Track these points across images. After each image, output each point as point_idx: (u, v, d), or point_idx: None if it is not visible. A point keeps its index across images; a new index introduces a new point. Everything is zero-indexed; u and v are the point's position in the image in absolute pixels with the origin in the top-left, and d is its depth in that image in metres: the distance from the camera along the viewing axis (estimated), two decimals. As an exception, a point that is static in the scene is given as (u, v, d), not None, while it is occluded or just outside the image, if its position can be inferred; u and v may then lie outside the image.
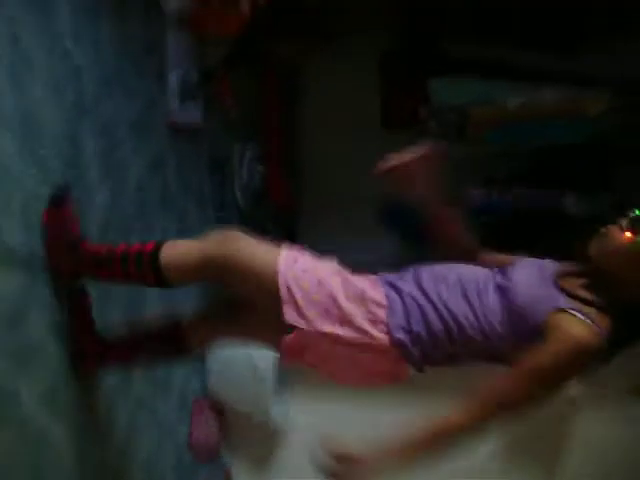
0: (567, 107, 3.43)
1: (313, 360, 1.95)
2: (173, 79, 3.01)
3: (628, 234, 1.73)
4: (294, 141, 4.19)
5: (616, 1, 3.27)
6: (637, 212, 1.74)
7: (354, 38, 3.84)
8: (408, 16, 3.72)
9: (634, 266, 1.73)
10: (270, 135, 3.99)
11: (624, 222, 1.74)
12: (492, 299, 1.80)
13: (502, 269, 1.90)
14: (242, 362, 3.23)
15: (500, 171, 3.72)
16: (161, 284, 2.02)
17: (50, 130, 2.11)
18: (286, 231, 4.00)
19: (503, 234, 3.56)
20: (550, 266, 1.88)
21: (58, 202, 2.07)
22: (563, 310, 1.71)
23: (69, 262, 2.07)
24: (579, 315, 1.69)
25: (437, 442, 1.71)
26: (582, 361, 1.68)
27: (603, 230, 1.78)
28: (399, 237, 3.70)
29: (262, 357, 3.19)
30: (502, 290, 1.81)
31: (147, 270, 1.99)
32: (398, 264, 2.04)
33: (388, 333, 1.84)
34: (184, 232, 3.07)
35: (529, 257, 1.95)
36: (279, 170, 3.93)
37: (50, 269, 2.06)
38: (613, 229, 1.76)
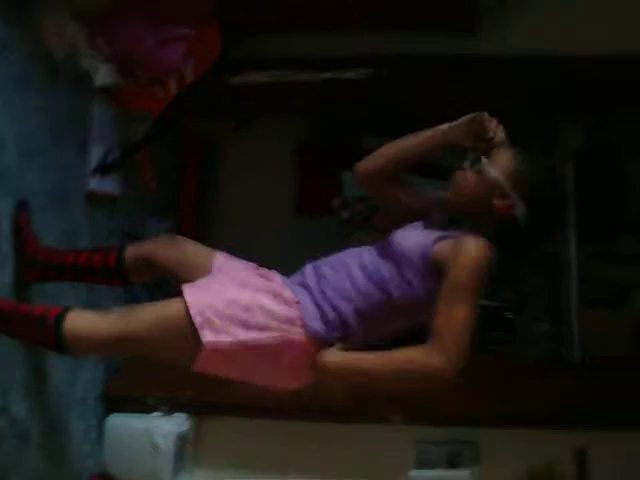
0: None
1: (231, 373, 2.06)
2: (94, 151, 3.04)
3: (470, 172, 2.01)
4: (208, 219, 4.24)
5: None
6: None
7: (274, 123, 3.97)
8: (327, 107, 3.87)
9: (478, 196, 1.99)
10: (184, 211, 4.04)
11: (466, 164, 2.02)
12: (382, 263, 2.02)
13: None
14: (140, 437, 3.16)
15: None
16: (61, 350, 2.04)
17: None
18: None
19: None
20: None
21: None
22: (442, 238, 1.96)
23: None
24: (459, 237, 1.93)
25: (410, 369, 1.86)
26: (486, 267, 1.89)
27: (452, 176, 2.05)
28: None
29: (161, 433, 3.14)
30: (385, 249, 2.05)
31: (48, 334, 2.01)
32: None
33: (304, 326, 1.98)
34: (92, 305, 3.07)
35: None
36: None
37: None
38: (458, 173, 2.04)
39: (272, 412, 3.09)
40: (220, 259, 2.24)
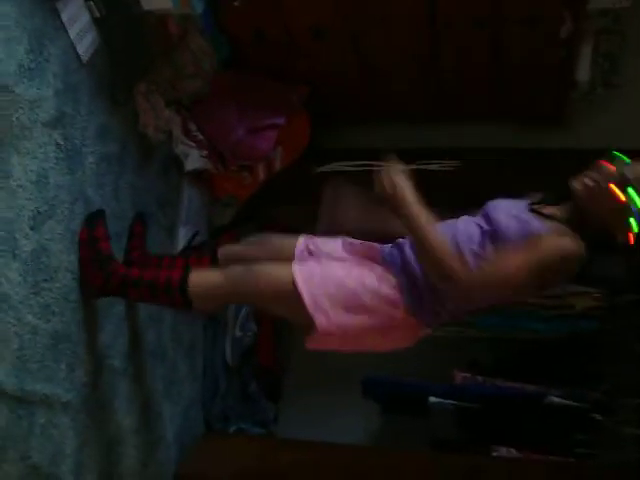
0: (553, 300, 3.51)
1: (342, 347, 2.19)
2: (182, 233, 3.12)
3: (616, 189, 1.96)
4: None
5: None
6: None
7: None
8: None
9: (608, 208, 1.98)
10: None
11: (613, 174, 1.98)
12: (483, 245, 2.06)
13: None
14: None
15: (484, 356, 3.76)
16: (188, 307, 2.24)
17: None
18: (269, 391, 3.98)
19: (487, 418, 3.58)
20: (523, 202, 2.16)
21: (92, 222, 2.34)
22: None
23: (99, 278, 2.29)
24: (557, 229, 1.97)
25: (436, 249, 1.90)
26: (568, 264, 1.93)
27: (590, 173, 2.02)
28: (381, 408, 3.70)
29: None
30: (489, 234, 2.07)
31: (175, 295, 2.20)
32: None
33: (404, 307, 2.08)
34: (173, 383, 3.13)
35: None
36: (271, 330, 3.96)
37: (82, 282, 2.32)
38: (601, 171, 2.00)
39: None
40: (311, 240, 2.34)
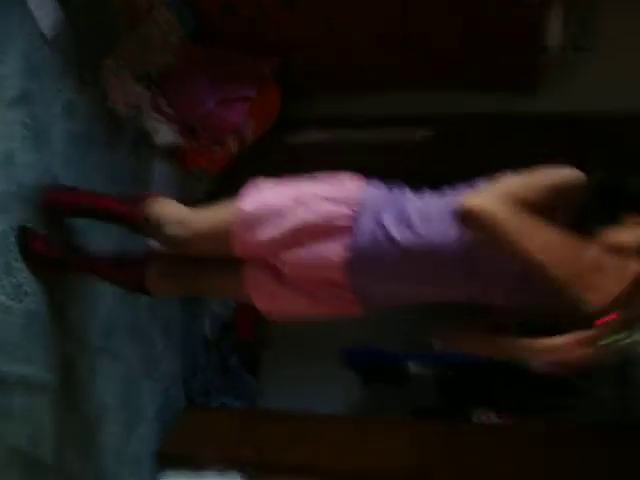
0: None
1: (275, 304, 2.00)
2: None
3: None
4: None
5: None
6: None
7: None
8: (381, 167, 3.86)
9: None
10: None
11: None
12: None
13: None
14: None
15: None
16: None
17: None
18: (249, 364, 4.00)
19: (466, 384, 3.63)
20: None
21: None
22: None
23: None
24: None
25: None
26: (570, 186, 1.68)
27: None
28: (361, 378, 3.73)
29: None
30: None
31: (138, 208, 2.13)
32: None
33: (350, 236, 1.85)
34: (152, 360, 3.14)
35: None
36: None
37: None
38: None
39: (327, 474, 3.04)
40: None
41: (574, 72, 3.42)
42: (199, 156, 3.32)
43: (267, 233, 1.89)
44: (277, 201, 1.90)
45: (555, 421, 3.53)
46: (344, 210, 1.86)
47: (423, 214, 1.81)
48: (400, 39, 3.24)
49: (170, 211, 2.11)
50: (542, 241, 1.59)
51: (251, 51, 3.30)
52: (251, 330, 4.05)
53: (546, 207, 1.67)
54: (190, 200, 2.23)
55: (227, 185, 2.05)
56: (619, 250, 1.63)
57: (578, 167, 1.70)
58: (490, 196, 1.64)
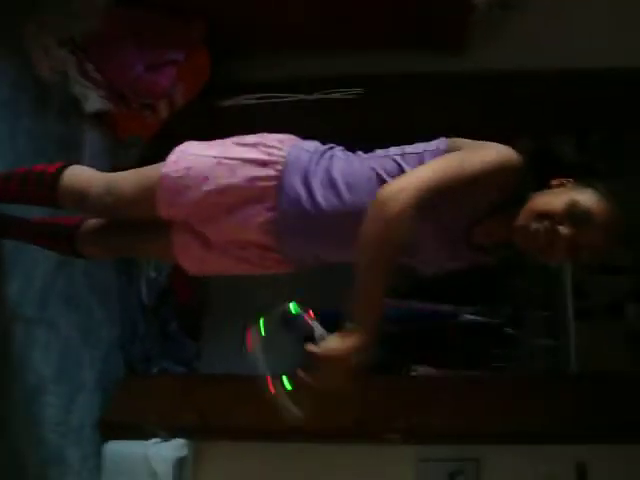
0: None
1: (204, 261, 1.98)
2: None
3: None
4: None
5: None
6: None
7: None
8: (314, 127, 3.87)
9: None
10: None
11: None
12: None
13: None
14: (139, 464, 3.14)
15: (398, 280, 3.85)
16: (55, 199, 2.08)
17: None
18: (189, 329, 4.00)
19: (405, 340, 3.70)
20: None
21: None
22: None
23: None
24: None
25: (384, 247, 1.63)
26: (502, 169, 1.66)
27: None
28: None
29: (160, 459, 3.12)
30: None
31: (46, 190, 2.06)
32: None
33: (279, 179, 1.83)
34: (90, 329, 3.11)
35: None
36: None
37: None
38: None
39: (271, 434, 3.07)
40: None
41: (502, 31, 3.46)
42: (130, 122, 3.27)
43: (190, 197, 1.86)
44: (201, 165, 1.88)
45: (494, 372, 3.64)
46: (269, 172, 1.85)
47: (350, 179, 1.80)
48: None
49: (90, 179, 2.06)
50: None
51: (178, 12, 3.24)
52: (190, 294, 4.04)
53: (476, 192, 1.68)
54: (123, 168, 2.18)
55: (160, 151, 2.01)
56: (547, 216, 1.64)
57: (506, 132, 1.68)
58: (407, 199, 1.58)
